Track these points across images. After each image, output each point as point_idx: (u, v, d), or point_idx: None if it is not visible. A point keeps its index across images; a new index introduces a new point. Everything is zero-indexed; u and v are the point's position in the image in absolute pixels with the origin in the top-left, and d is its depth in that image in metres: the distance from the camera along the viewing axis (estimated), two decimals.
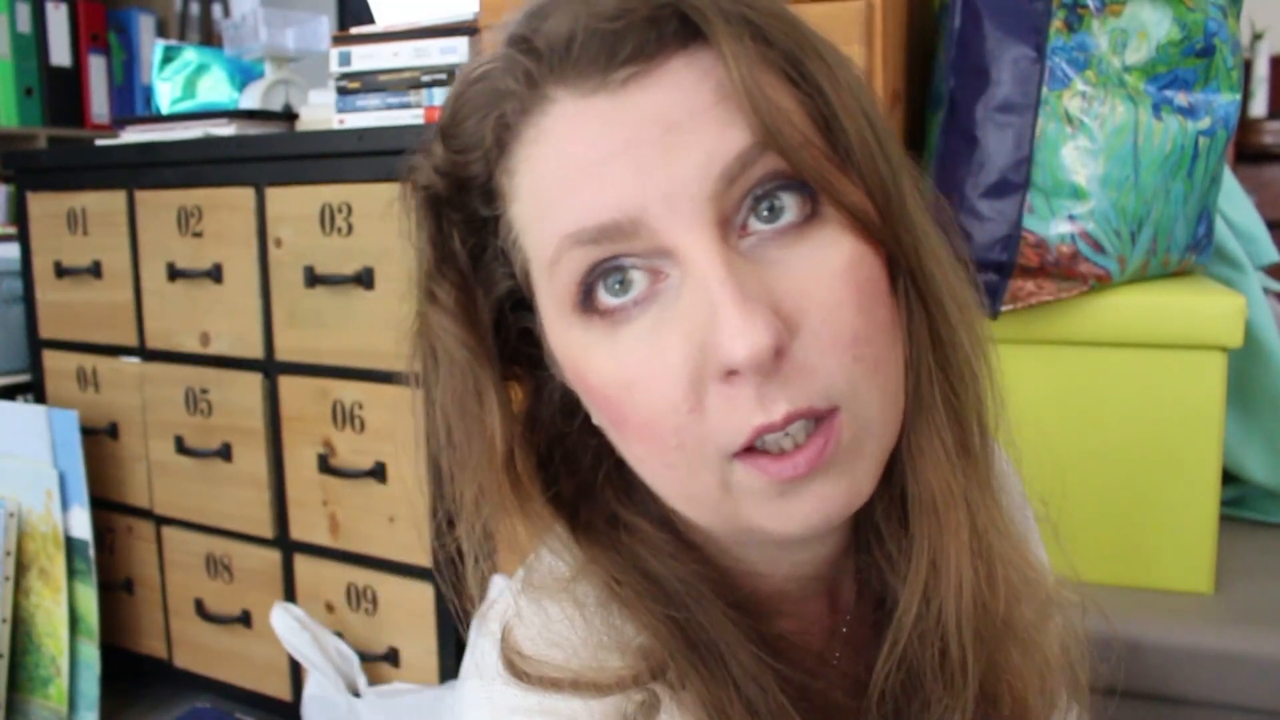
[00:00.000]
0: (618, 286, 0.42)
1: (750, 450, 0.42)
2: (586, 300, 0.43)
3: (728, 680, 0.46)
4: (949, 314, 0.47)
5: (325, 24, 1.69)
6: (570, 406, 0.50)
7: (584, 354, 0.44)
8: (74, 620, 1.60)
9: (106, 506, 1.67)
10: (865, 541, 0.51)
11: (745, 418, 0.41)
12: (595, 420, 0.47)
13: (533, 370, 0.51)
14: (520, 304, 0.49)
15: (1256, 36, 2.52)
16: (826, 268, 0.42)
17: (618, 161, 0.41)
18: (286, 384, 1.43)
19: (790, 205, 0.42)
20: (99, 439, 1.65)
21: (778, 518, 0.43)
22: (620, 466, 0.49)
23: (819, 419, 0.42)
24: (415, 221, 0.50)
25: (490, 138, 0.45)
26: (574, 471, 0.51)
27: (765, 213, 0.42)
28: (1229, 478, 1.28)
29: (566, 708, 0.46)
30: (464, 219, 0.48)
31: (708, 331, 0.40)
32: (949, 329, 0.47)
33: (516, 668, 0.47)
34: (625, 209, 0.41)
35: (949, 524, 0.47)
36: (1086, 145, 1.03)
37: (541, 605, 0.49)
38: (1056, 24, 1.03)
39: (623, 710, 0.46)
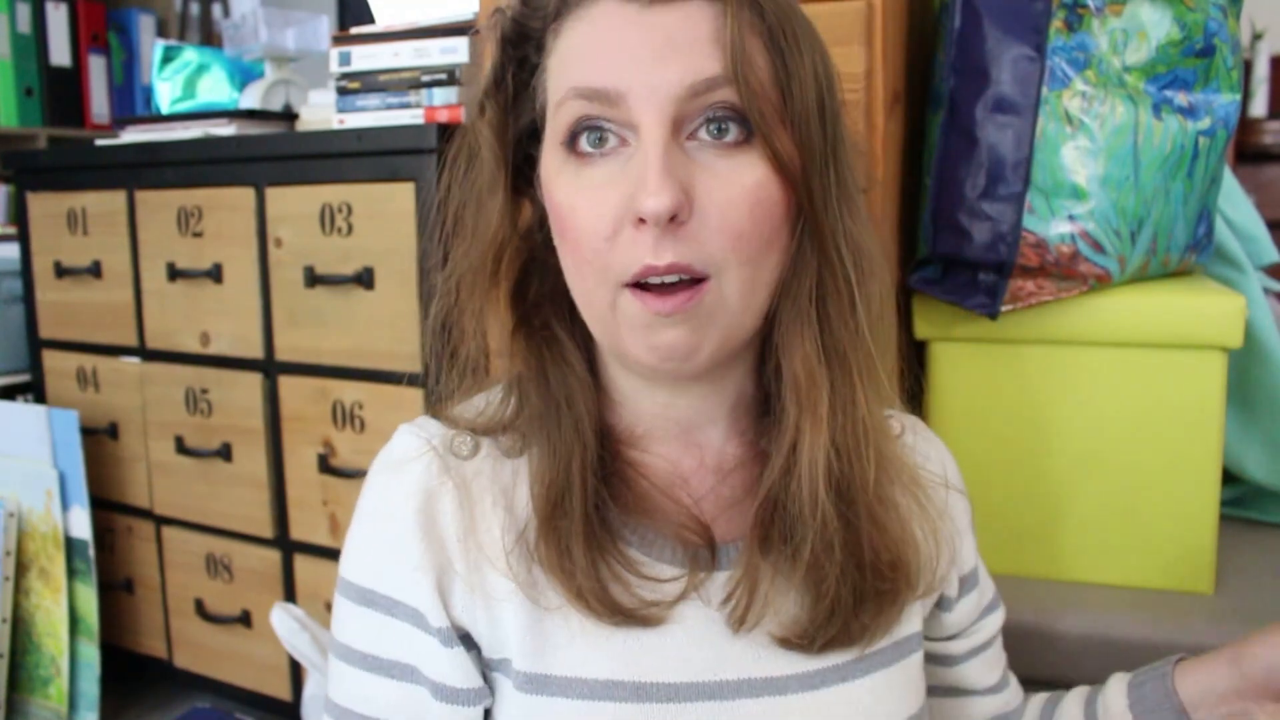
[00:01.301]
0: (596, 140, 0.58)
1: (638, 286, 0.57)
2: (571, 142, 0.59)
3: (558, 457, 0.61)
4: (841, 257, 0.61)
5: (325, 24, 1.69)
6: (548, 237, 0.64)
7: (557, 179, 0.60)
8: (74, 620, 1.60)
9: (106, 506, 1.67)
10: (755, 413, 0.66)
11: (640, 256, 0.56)
12: (555, 239, 0.62)
13: (534, 196, 0.66)
14: (534, 136, 0.64)
15: (1256, 36, 2.52)
16: (737, 178, 0.57)
17: (625, 53, 0.56)
18: (286, 384, 1.43)
19: (732, 130, 0.57)
20: (99, 439, 1.65)
21: (641, 345, 0.58)
22: (567, 295, 0.63)
23: (693, 281, 0.56)
24: (491, 51, 0.64)
25: (552, 8, 0.61)
26: (540, 282, 0.66)
27: (714, 131, 0.57)
28: (1229, 478, 1.28)
29: (451, 435, 0.64)
30: (518, 59, 0.63)
31: (636, 186, 0.55)
32: (832, 266, 0.61)
33: (440, 413, 0.66)
34: (617, 84, 0.56)
35: (809, 401, 0.61)
36: (1086, 145, 1.02)
37: (468, 402, 0.68)
38: (1056, 24, 1.03)
39: (495, 446, 0.65)
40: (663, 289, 0.56)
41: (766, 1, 0.58)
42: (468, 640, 0.63)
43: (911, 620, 0.69)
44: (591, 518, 0.61)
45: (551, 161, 0.60)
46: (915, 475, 0.67)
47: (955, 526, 0.73)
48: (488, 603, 0.61)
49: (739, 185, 0.57)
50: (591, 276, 0.58)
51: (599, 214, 0.57)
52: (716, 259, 0.57)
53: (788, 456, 0.61)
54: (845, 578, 0.61)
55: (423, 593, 0.61)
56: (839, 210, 0.61)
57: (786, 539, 0.62)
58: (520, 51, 0.63)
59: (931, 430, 0.77)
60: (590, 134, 0.58)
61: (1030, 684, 1.03)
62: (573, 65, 0.58)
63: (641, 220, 0.55)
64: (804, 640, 0.62)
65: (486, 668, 0.64)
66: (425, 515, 0.62)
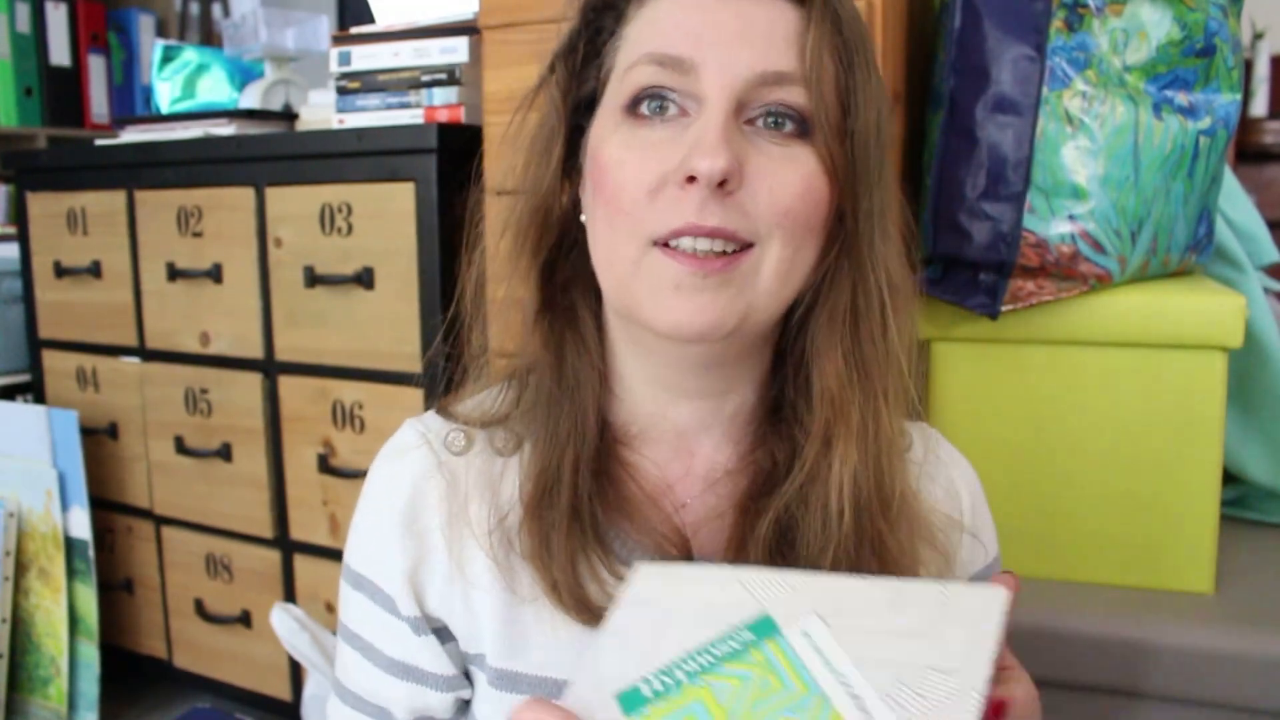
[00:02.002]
0: (657, 107, 0.59)
1: (667, 247, 0.56)
2: (632, 106, 0.59)
3: (555, 447, 0.62)
4: (877, 279, 0.61)
5: (325, 24, 1.69)
6: (580, 223, 0.65)
7: (610, 138, 0.60)
8: (74, 620, 1.60)
9: (106, 506, 1.67)
10: (754, 424, 0.66)
11: (683, 213, 0.55)
12: (586, 200, 0.63)
13: (575, 173, 0.66)
14: (588, 108, 0.64)
15: (1257, 36, 2.52)
16: (790, 163, 0.58)
17: (705, 29, 0.58)
18: (286, 384, 1.43)
19: (789, 125, 0.58)
20: (99, 439, 1.65)
21: (662, 310, 0.57)
22: (594, 279, 0.63)
23: (733, 252, 0.56)
24: (573, 16, 0.65)
25: None
26: (570, 264, 0.66)
27: (772, 123, 0.58)
28: (1229, 478, 1.28)
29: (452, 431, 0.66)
30: (596, 27, 0.64)
31: (691, 148, 0.55)
32: (868, 285, 0.61)
33: (444, 408, 0.68)
34: (692, 55, 0.57)
35: (841, 414, 0.60)
36: (1087, 145, 1.02)
37: (473, 398, 0.69)
38: (1057, 24, 1.03)
39: (490, 443, 0.65)
40: (694, 256, 0.56)
41: (846, 20, 0.60)
42: (444, 633, 0.65)
43: None
44: (578, 511, 0.61)
45: (606, 124, 0.61)
46: (921, 513, 0.65)
47: (964, 575, 0.69)
48: (466, 592, 0.63)
49: (791, 169, 0.58)
50: (623, 230, 0.58)
51: (646, 168, 0.57)
52: (761, 231, 0.57)
53: (812, 467, 0.61)
54: None
55: (395, 582, 0.64)
56: (878, 234, 0.61)
57: (786, 552, 0.61)
58: (599, 20, 0.64)
59: (950, 444, 0.74)
60: (652, 102, 0.59)
61: None
62: (651, 34, 0.59)
63: (691, 179, 0.55)
64: None
65: (465, 660, 0.66)
66: (411, 507, 0.64)
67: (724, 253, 0.56)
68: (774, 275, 0.58)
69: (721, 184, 0.55)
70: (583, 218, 0.64)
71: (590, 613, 0.60)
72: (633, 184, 0.57)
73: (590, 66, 0.64)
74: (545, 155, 0.64)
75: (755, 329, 0.60)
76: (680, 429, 0.66)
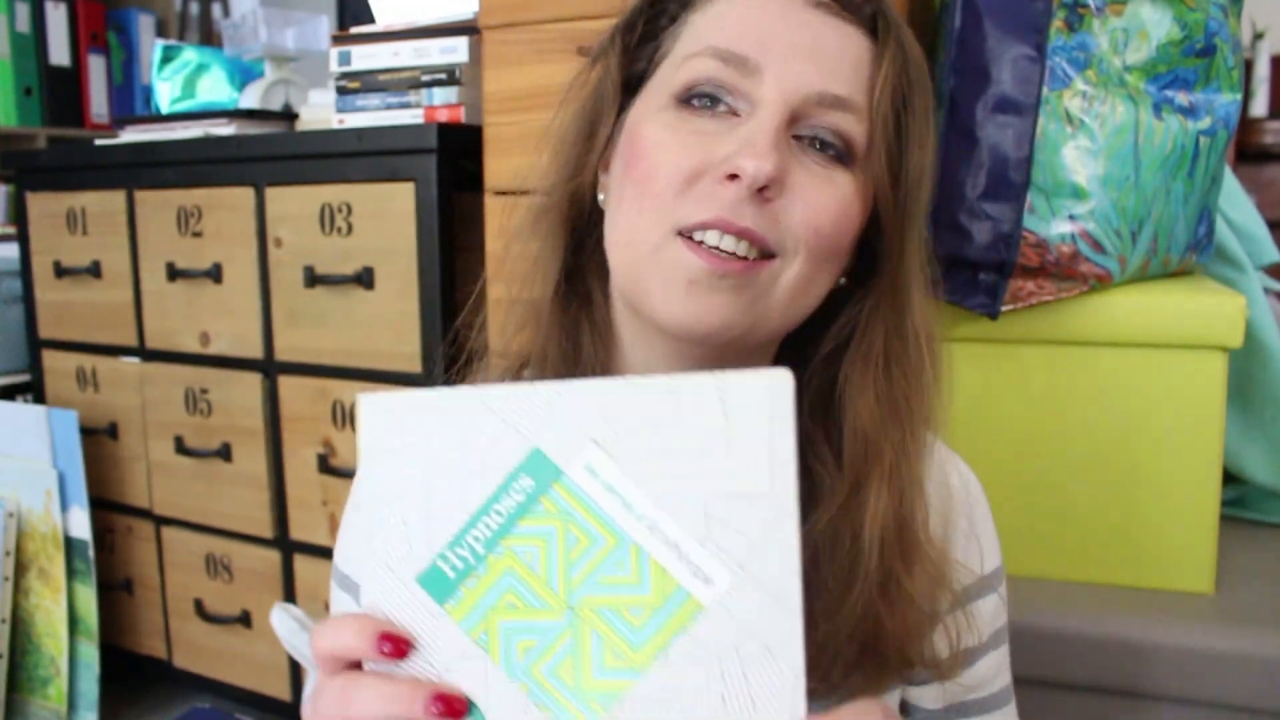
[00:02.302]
0: (708, 102, 0.57)
1: (691, 239, 0.55)
2: (683, 96, 0.57)
3: None
4: (910, 316, 0.61)
5: (325, 24, 1.69)
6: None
7: (653, 119, 0.58)
8: (73, 620, 1.60)
9: (106, 506, 1.67)
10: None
11: (715, 207, 0.54)
12: (612, 180, 0.61)
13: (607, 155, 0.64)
14: (632, 90, 0.62)
15: (1257, 36, 2.52)
16: (831, 185, 0.57)
17: (775, 36, 0.57)
18: (286, 384, 1.43)
19: (834, 150, 0.57)
20: (99, 439, 1.65)
21: (671, 304, 0.55)
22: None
23: (755, 259, 0.55)
24: None
25: None
26: (586, 243, 0.64)
27: (818, 145, 0.57)
28: (1229, 478, 1.28)
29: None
30: (660, 10, 0.62)
31: (740, 146, 0.54)
32: (903, 329, 0.61)
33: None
34: (758, 57, 0.56)
35: (875, 453, 0.59)
36: (1087, 145, 1.02)
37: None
38: (1057, 23, 1.03)
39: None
40: (715, 254, 0.54)
41: (913, 61, 0.59)
42: None
43: (892, 695, 0.65)
44: None
45: (650, 105, 0.59)
46: (938, 554, 0.62)
47: (973, 626, 0.66)
48: None
49: (830, 191, 0.57)
50: (650, 212, 0.56)
51: (688, 154, 0.55)
52: (788, 244, 0.56)
53: (844, 504, 0.59)
54: (839, 635, 0.58)
55: None
56: (917, 277, 0.61)
57: (812, 578, 0.57)
58: (664, 2, 0.62)
59: (958, 459, 0.71)
60: (704, 98, 0.57)
61: (1030, 684, 1.03)
62: (718, 27, 0.58)
63: (732, 177, 0.54)
64: None
65: None
66: None
67: (746, 257, 0.55)
68: (790, 290, 0.57)
69: (762, 189, 0.54)
70: (600, 198, 0.63)
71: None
72: (671, 166, 0.56)
73: (645, 47, 0.62)
74: (590, 130, 0.62)
75: (759, 338, 0.59)
76: None
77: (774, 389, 0.42)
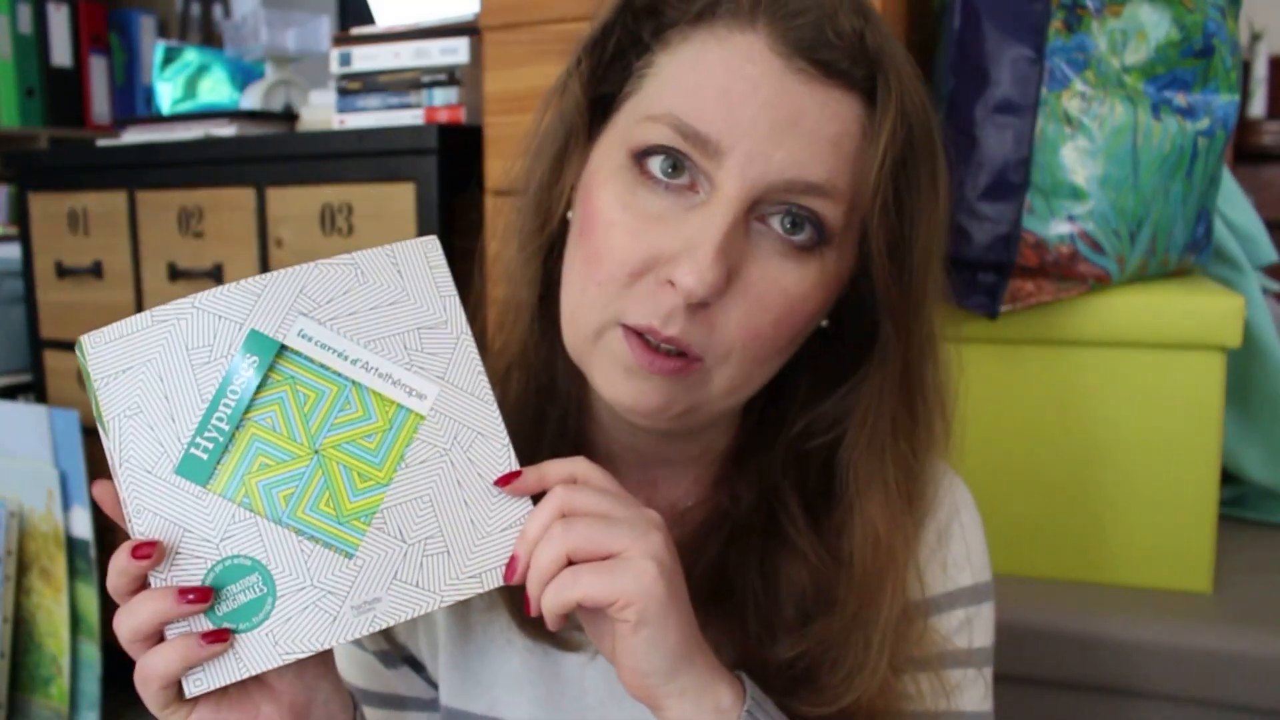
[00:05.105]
0: (669, 169, 0.53)
1: (628, 329, 0.53)
2: (641, 157, 0.54)
3: (524, 441, 0.58)
4: (923, 392, 0.59)
5: (325, 24, 1.69)
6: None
7: (608, 181, 0.55)
8: (75, 620, 1.60)
9: None
10: (724, 460, 0.63)
11: (647, 314, 0.52)
12: (574, 228, 0.58)
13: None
14: (600, 109, 0.59)
15: (1255, 37, 2.52)
16: (786, 282, 0.53)
17: (744, 110, 0.51)
18: None
19: (805, 231, 0.53)
20: (100, 439, 1.65)
21: (611, 385, 0.55)
22: None
23: (685, 361, 0.53)
24: (604, 9, 0.59)
25: (697, 8, 0.54)
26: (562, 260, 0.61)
27: (788, 224, 0.53)
28: (1227, 477, 1.28)
29: None
30: (633, 32, 0.57)
31: (680, 249, 0.51)
32: (913, 404, 0.58)
33: None
34: (721, 136, 0.51)
35: (890, 558, 0.57)
36: (1086, 145, 1.03)
37: None
38: (1056, 24, 1.03)
39: None
40: (647, 348, 0.53)
41: (917, 124, 0.53)
42: (414, 661, 0.66)
43: None
44: None
45: (609, 161, 0.56)
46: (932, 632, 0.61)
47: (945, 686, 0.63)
48: (428, 624, 0.64)
49: (782, 291, 0.53)
50: (595, 298, 0.54)
51: (635, 244, 0.53)
52: (720, 350, 0.53)
53: (857, 610, 0.57)
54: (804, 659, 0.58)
55: None
56: (929, 353, 0.59)
57: (801, 686, 0.57)
58: (637, 26, 0.57)
59: (972, 515, 0.66)
60: (666, 160, 0.53)
61: (1029, 683, 1.03)
62: (684, 89, 0.53)
63: (670, 283, 0.51)
64: None
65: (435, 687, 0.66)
66: None
67: (676, 355, 0.53)
68: (727, 387, 0.55)
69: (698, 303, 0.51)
70: (570, 214, 0.60)
71: (541, 631, 0.59)
72: (619, 256, 0.53)
73: (614, 67, 0.58)
74: (558, 159, 0.59)
75: (710, 417, 0.58)
76: (644, 458, 0.63)
77: (428, 246, 0.53)
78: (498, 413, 0.51)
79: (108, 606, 1.64)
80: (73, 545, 1.59)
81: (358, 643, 0.64)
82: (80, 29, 2.47)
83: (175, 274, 1.51)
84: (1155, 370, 1.07)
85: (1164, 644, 1.00)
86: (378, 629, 0.49)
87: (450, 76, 1.32)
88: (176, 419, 0.48)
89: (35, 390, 1.77)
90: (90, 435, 1.63)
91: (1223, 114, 1.05)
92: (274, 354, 0.49)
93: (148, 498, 0.48)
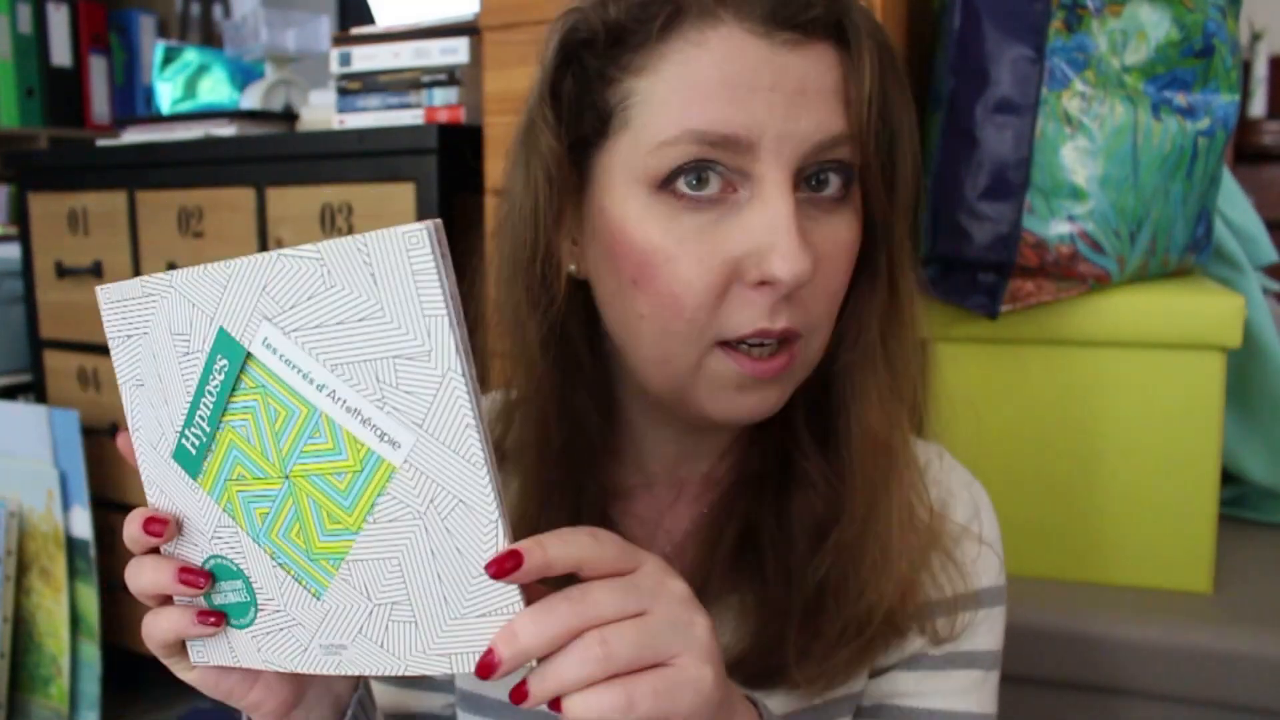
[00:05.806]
0: (695, 182, 0.51)
1: (728, 346, 0.53)
2: (668, 182, 0.52)
3: (530, 500, 0.59)
4: (908, 303, 0.60)
5: (325, 24, 1.69)
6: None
7: (638, 221, 0.52)
8: (75, 620, 1.60)
9: (107, 506, 1.67)
10: (786, 466, 0.61)
11: (754, 319, 0.52)
12: (604, 278, 0.55)
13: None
14: (583, 147, 0.56)
15: (1256, 37, 2.52)
16: (839, 236, 0.54)
17: (760, 97, 0.50)
18: None
19: (833, 184, 0.54)
20: (100, 439, 1.65)
21: (724, 405, 0.54)
22: (595, 321, 0.59)
23: (782, 340, 0.53)
24: (547, 54, 0.57)
25: (662, 18, 0.52)
26: (560, 297, 0.58)
27: (813, 183, 0.53)
28: (1229, 478, 1.28)
29: None
30: (597, 69, 0.54)
31: (760, 247, 0.51)
32: (901, 313, 0.60)
33: None
34: (749, 132, 0.50)
35: (891, 458, 0.58)
36: (1086, 145, 1.03)
37: None
38: (1056, 24, 1.03)
39: None
40: (755, 359, 0.53)
41: (885, 56, 0.54)
42: None
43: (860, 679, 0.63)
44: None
45: (626, 199, 0.53)
46: (941, 530, 0.62)
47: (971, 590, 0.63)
48: None
49: (841, 245, 0.54)
50: (681, 332, 0.52)
51: (707, 270, 0.51)
52: (812, 321, 0.54)
53: (866, 512, 0.58)
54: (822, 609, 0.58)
55: None
56: (908, 261, 0.60)
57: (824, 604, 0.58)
58: (603, 61, 0.54)
59: (957, 463, 0.69)
60: (690, 175, 0.51)
61: (1028, 683, 1.03)
62: (689, 102, 0.51)
63: (763, 283, 0.51)
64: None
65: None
66: None
67: (782, 350, 0.54)
68: (815, 355, 0.56)
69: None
70: (572, 267, 0.58)
71: None
72: (695, 286, 0.51)
73: (580, 113, 0.55)
74: (554, 220, 0.56)
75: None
76: (683, 478, 0.64)
77: (411, 241, 0.39)
78: (487, 478, 0.40)
79: (107, 607, 1.64)
80: (72, 545, 1.59)
81: None
82: (80, 29, 2.47)
83: None
84: (1155, 370, 1.07)
85: (1164, 644, 1.00)
86: (346, 674, 0.45)
87: (450, 76, 1.32)
88: (169, 403, 0.47)
89: (35, 390, 1.77)
90: (90, 435, 1.63)
91: (1223, 114, 1.05)
92: (242, 360, 0.44)
93: (154, 472, 0.48)
